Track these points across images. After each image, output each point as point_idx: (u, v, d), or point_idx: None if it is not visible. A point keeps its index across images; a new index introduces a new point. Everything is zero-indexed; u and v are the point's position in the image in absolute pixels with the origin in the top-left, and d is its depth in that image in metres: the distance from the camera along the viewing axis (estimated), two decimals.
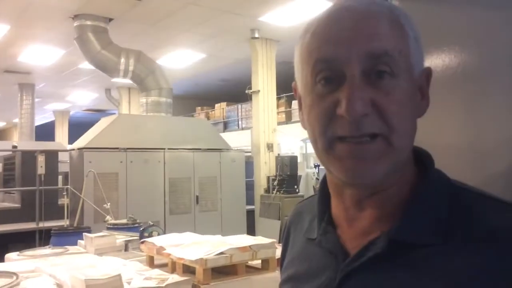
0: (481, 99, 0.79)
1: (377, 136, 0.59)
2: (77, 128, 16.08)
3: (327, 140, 0.62)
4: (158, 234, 3.18)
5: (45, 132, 19.85)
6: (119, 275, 1.89)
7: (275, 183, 9.29)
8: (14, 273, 2.10)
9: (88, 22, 8.05)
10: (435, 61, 0.78)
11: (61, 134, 19.93)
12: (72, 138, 15.36)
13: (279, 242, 2.62)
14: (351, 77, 0.60)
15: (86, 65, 10.19)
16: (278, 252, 2.35)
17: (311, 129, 0.64)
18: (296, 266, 0.75)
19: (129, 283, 1.96)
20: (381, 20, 0.61)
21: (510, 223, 0.57)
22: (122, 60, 8.20)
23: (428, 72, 0.67)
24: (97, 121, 7.69)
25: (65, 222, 6.31)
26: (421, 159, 0.67)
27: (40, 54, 10.75)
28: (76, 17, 8.11)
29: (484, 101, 0.80)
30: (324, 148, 0.62)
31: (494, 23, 0.79)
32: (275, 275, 2.24)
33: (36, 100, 15.36)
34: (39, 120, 20.31)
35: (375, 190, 0.64)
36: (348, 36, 0.60)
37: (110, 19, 8.36)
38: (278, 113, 11.50)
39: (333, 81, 0.61)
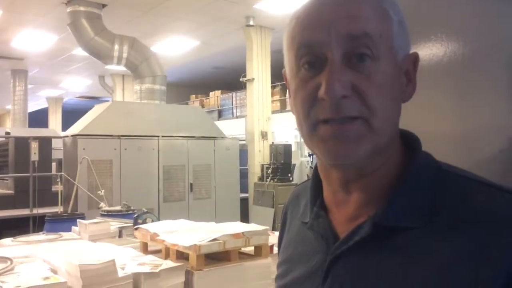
0: (466, 87, 0.81)
1: (358, 119, 0.60)
2: (71, 115, 16.00)
3: (311, 123, 0.63)
4: (152, 221, 3.20)
5: (38, 118, 19.74)
6: (113, 261, 1.91)
7: (269, 171, 9.33)
8: (9, 258, 2.11)
9: (82, 8, 7.97)
10: (422, 49, 0.80)
11: (55, 121, 19.82)
12: (65, 125, 15.29)
13: (272, 230, 2.65)
14: (331, 60, 0.61)
15: (79, 51, 10.11)
16: (271, 239, 2.37)
17: (297, 114, 0.66)
18: (292, 249, 0.77)
19: (123, 268, 1.98)
20: (361, 3, 0.62)
21: (492, 205, 0.58)
22: (116, 46, 8.14)
23: (415, 57, 0.67)
24: (90, 108, 7.67)
25: (59, 209, 6.32)
26: (410, 143, 0.68)
27: (33, 39, 10.65)
28: (69, 2, 8.02)
29: (469, 89, 0.82)
30: (308, 131, 0.64)
31: (480, 13, 0.80)
32: (268, 262, 2.27)
33: (29, 86, 15.24)
34: (32, 107, 20.17)
35: (360, 172, 0.65)
36: (328, 19, 0.62)
37: (104, 5, 8.29)
38: (272, 101, 11.50)
39: (315, 65, 0.63)
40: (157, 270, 1.97)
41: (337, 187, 0.69)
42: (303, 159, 11.16)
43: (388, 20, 0.63)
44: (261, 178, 9.59)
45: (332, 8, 0.62)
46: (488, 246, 0.54)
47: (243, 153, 9.58)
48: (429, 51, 0.66)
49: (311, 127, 0.63)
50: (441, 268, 0.56)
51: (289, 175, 9.37)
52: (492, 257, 0.54)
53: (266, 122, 10.13)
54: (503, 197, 0.59)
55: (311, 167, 10.72)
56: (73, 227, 3.19)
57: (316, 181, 0.74)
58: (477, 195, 0.59)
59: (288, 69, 0.68)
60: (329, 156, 0.63)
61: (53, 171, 7.99)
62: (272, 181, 9.20)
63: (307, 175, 9.99)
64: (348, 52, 0.61)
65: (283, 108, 13.53)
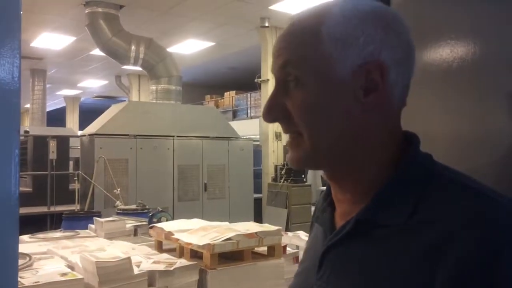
0: (475, 91, 0.83)
1: (296, 132, 0.70)
2: (87, 114, 16.21)
3: None
4: (167, 220, 3.24)
5: (56, 117, 20.04)
6: (129, 258, 1.95)
7: (283, 172, 9.33)
8: (27, 254, 2.16)
9: (99, 9, 8.08)
10: (432, 54, 0.81)
11: (72, 120, 20.09)
12: (82, 125, 15.50)
13: (285, 230, 2.67)
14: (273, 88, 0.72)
15: (97, 51, 10.24)
16: (284, 240, 2.39)
17: None
18: (309, 243, 0.87)
19: (138, 266, 2.01)
20: (290, 35, 0.70)
21: (455, 207, 0.60)
22: (133, 47, 8.24)
23: (378, 64, 0.66)
24: (106, 108, 7.76)
25: (75, 207, 6.42)
26: (408, 144, 0.70)
27: (52, 40, 10.83)
28: (87, 3, 8.14)
29: (478, 93, 0.83)
30: None
31: (489, 17, 0.81)
32: (281, 262, 2.28)
33: (48, 86, 15.48)
34: (50, 106, 20.48)
35: (332, 174, 0.73)
36: (273, 52, 0.72)
37: (121, 6, 8.39)
38: None
39: None
40: (171, 268, 2.00)
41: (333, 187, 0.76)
42: None
43: (319, 42, 0.67)
44: (274, 179, 9.59)
45: (277, 41, 0.72)
46: (439, 246, 0.58)
47: (257, 153, 9.60)
48: (438, 56, 0.67)
49: None
50: (407, 263, 0.61)
51: (303, 176, 9.36)
52: (442, 256, 0.57)
53: None
54: (481, 207, 0.60)
55: None
56: (90, 225, 3.25)
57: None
58: (457, 201, 0.61)
59: None
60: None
61: (70, 170, 8.11)
62: (285, 182, 9.20)
63: (320, 176, 9.96)
64: (279, 79, 0.71)
65: None
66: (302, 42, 0.68)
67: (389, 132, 0.69)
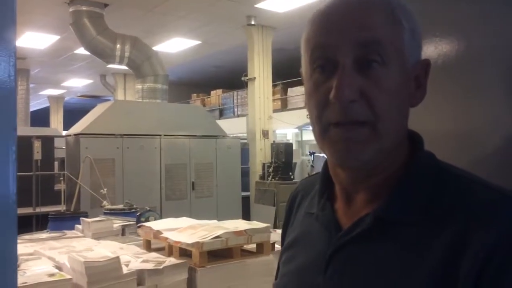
0: (460, 87, 0.85)
1: (365, 124, 0.64)
2: (72, 114, 16.03)
3: (323, 126, 0.67)
4: (155, 219, 3.23)
5: (40, 118, 19.78)
6: (118, 257, 1.94)
7: (270, 170, 9.35)
8: None
9: (84, 8, 8.00)
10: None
11: (56, 120, 19.86)
12: (66, 124, 15.33)
13: (274, 228, 2.68)
14: (342, 65, 0.64)
15: (81, 50, 10.14)
16: (272, 237, 2.40)
17: (310, 115, 0.70)
18: (296, 237, 0.81)
19: (127, 265, 2.01)
20: (374, 11, 0.65)
21: (468, 201, 0.62)
22: (118, 46, 8.17)
23: (427, 63, 0.70)
24: (91, 108, 7.70)
25: (61, 208, 6.35)
26: (415, 143, 0.71)
27: (36, 39, 10.69)
28: (71, 2, 8.05)
29: (463, 89, 0.85)
30: (320, 133, 0.68)
31: (474, 14, 0.83)
32: (270, 259, 2.30)
33: (31, 85, 15.28)
34: (34, 106, 20.22)
35: (367, 174, 0.68)
36: (341, 25, 0.65)
37: (106, 5, 8.31)
38: (273, 100, 11.51)
39: (327, 70, 0.66)
40: (160, 267, 2.00)
41: (344, 184, 0.72)
42: (304, 158, 11.18)
43: (399, 27, 0.66)
44: (262, 177, 9.61)
45: (346, 15, 0.65)
46: (464, 240, 0.58)
47: (245, 151, 9.61)
48: (423, 53, 0.69)
49: (322, 129, 0.67)
50: (430, 257, 0.60)
51: (290, 173, 9.39)
52: (465, 249, 0.58)
53: (267, 121, 10.16)
54: (494, 196, 0.62)
55: (312, 165, 10.73)
56: (76, 226, 3.22)
57: (325, 175, 0.77)
58: (472, 194, 0.63)
59: (303, 70, 0.72)
60: (337, 157, 0.68)
61: (56, 170, 8.02)
62: (273, 179, 9.22)
63: (308, 174, 10.00)
64: (359, 58, 0.64)
65: (284, 107, 13.55)
66: (389, 23, 0.65)
67: (406, 127, 0.71)
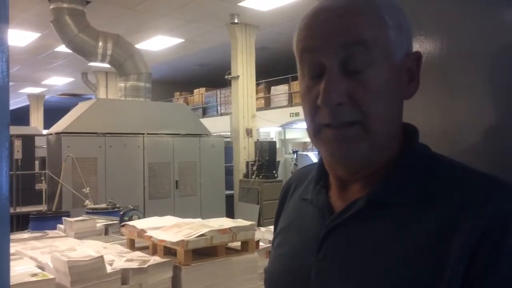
0: (443, 85, 0.87)
1: (355, 123, 0.66)
2: (52, 113, 15.82)
3: (315, 127, 0.70)
4: (138, 218, 3.21)
5: (20, 116, 19.46)
6: (102, 257, 1.92)
7: (254, 168, 9.38)
8: None
9: (65, 5, 7.88)
10: None
11: (36, 118, 19.55)
12: (47, 123, 15.11)
13: (258, 226, 2.69)
14: (329, 69, 0.66)
15: (62, 48, 9.99)
16: (257, 235, 2.41)
17: (305, 116, 0.73)
18: (289, 221, 0.84)
19: (111, 264, 1.99)
20: (357, 13, 0.67)
21: (463, 186, 0.64)
22: (100, 43, 8.07)
23: (418, 55, 0.72)
24: (72, 106, 7.60)
25: (43, 207, 6.27)
26: (409, 135, 0.73)
27: (15, 36, 10.50)
28: None
29: (446, 87, 0.87)
30: (314, 133, 0.71)
31: (458, 14, 0.85)
32: (254, 257, 2.30)
33: (11, 84, 14.95)
34: (13, 105, 19.89)
35: (362, 167, 0.71)
36: (325, 29, 0.67)
37: (87, 2, 8.21)
38: (257, 98, 11.53)
39: (316, 73, 0.68)
40: (145, 266, 1.99)
41: (339, 176, 0.75)
42: (288, 156, 11.24)
43: (384, 26, 0.67)
44: (246, 175, 9.63)
45: (330, 19, 0.67)
46: (458, 217, 0.61)
47: (228, 150, 9.61)
48: None
49: (315, 130, 0.70)
50: (422, 234, 0.63)
51: (274, 172, 9.43)
52: (456, 225, 0.61)
53: (251, 119, 10.17)
54: (489, 182, 0.64)
55: (295, 164, 10.79)
56: (59, 225, 3.18)
57: (321, 166, 0.79)
58: (467, 180, 0.65)
59: (298, 72, 0.75)
60: (332, 157, 0.72)
61: (36, 170, 7.90)
62: (257, 178, 9.25)
63: (291, 172, 10.06)
64: (344, 60, 0.66)
65: (267, 105, 13.58)
66: (372, 23, 0.66)
67: (401, 119, 0.73)
